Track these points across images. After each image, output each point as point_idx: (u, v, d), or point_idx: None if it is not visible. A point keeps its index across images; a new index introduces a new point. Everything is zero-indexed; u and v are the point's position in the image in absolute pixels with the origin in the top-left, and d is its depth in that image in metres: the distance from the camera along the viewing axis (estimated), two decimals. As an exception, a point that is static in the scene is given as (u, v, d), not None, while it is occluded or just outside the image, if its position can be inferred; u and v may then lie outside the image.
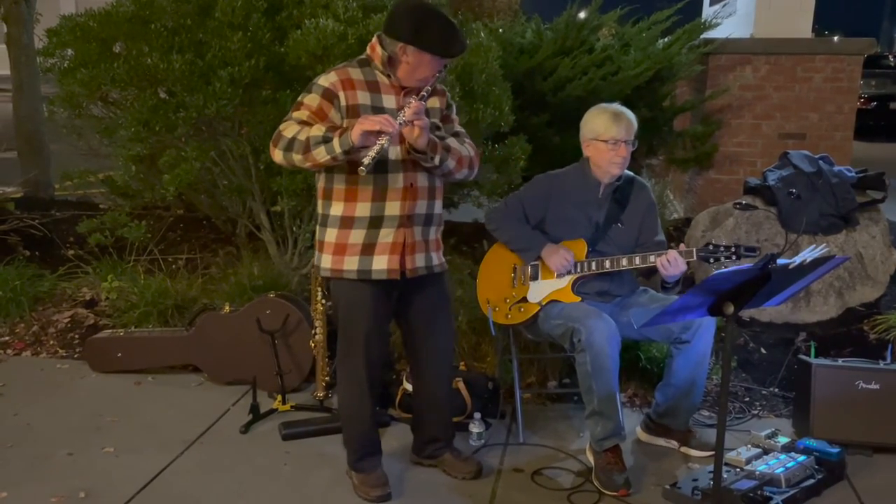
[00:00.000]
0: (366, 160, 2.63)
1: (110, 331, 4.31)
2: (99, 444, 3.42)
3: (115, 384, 4.04)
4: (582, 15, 5.77)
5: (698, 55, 5.96)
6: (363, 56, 2.90)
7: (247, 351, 3.92)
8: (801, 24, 6.54)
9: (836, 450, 3.20)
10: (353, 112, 2.77)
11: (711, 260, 3.20)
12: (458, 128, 3.06)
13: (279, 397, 3.76)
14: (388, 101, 2.84)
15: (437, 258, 3.05)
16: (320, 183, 2.93)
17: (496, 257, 3.62)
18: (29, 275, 4.88)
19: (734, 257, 3.16)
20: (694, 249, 3.22)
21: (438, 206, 3.01)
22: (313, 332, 3.79)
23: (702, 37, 6.10)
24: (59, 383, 4.04)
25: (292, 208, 4.54)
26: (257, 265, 4.64)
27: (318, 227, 2.97)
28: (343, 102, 2.79)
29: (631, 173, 3.51)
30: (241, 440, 3.51)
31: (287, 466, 3.29)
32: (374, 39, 2.86)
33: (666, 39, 5.90)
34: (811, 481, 3.06)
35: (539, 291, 3.44)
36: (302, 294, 4.33)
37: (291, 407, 3.75)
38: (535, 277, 3.46)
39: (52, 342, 4.47)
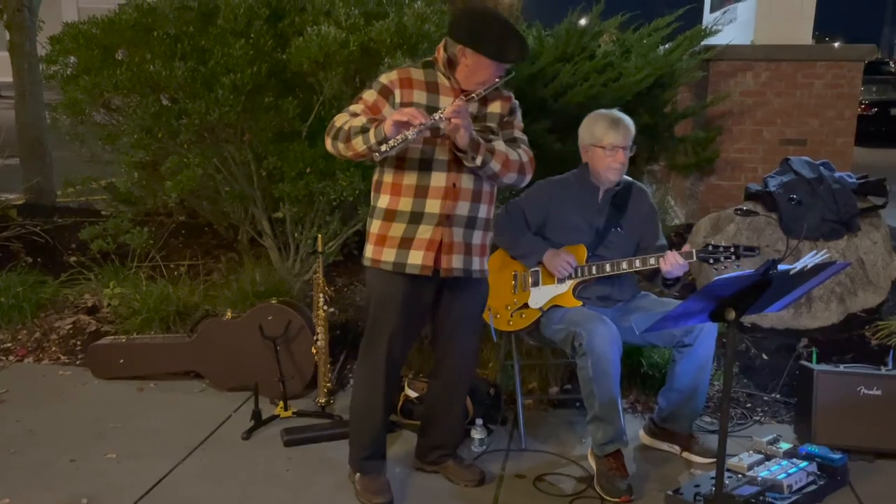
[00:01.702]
0: (383, 147, 2.67)
1: (112, 337, 4.31)
2: (101, 451, 3.42)
3: (117, 390, 4.04)
4: (583, 21, 5.77)
5: (699, 61, 5.96)
6: (430, 58, 2.96)
7: (249, 357, 3.92)
8: (801, 30, 6.54)
9: (838, 456, 3.20)
10: None
11: (711, 260, 3.21)
12: (518, 134, 3.04)
13: (281, 403, 3.76)
14: (446, 102, 2.86)
15: (479, 263, 3.02)
16: (374, 175, 2.99)
17: (497, 264, 3.62)
18: (31, 281, 4.88)
19: (733, 257, 3.18)
20: (693, 250, 3.23)
21: (484, 210, 2.99)
22: (315, 338, 3.79)
23: (703, 43, 6.11)
24: (61, 390, 4.05)
25: (294, 214, 4.55)
26: (259, 271, 4.64)
27: (368, 218, 3.02)
28: (398, 100, 2.84)
29: (630, 178, 3.52)
30: (243, 446, 3.51)
31: (289, 472, 3.29)
32: (442, 42, 2.91)
33: (667, 46, 5.91)
34: (813, 487, 3.06)
35: (540, 297, 3.45)
36: (304, 300, 4.33)
37: (293, 413, 3.75)
38: (535, 283, 3.47)
39: (54, 348, 4.47)
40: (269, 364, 3.84)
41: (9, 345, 4.52)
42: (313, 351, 3.81)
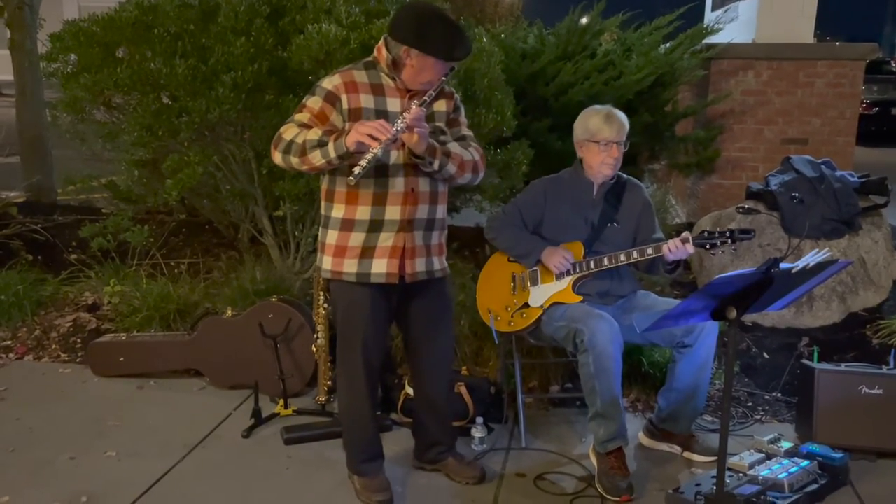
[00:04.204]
0: (356, 169, 2.63)
1: (112, 335, 4.31)
2: (101, 449, 3.42)
3: (117, 388, 4.04)
4: (584, 20, 5.78)
5: (700, 60, 5.96)
6: (370, 58, 2.89)
7: (249, 355, 3.92)
8: (802, 29, 6.54)
9: (839, 455, 3.19)
10: (356, 115, 2.77)
11: (708, 245, 3.19)
12: (466, 131, 3.03)
13: (281, 401, 3.76)
14: (393, 104, 2.83)
15: (439, 263, 3.03)
16: (323, 184, 2.93)
17: (494, 267, 3.63)
18: (31, 279, 4.89)
19: (729, 241, 3.16)
20: (690, 238, 3.21)
21: (441, 211, 3.00)
22: (315, 336, 3.78)
23: (704, 42, 6.11)
24: (61, 388, 4.04)
25: (295, 213, 4.55)
26: (260, 269, 4.64)
27: (320, 229, 2.97)
28: (345, 105, 2.78)
29: (624, 174, 3.52)
30: (243, 444, 3.51)
31: (289, 471, 3.29)
32: (381, 42, 2.85)
33: (668, 44, 5.91)
34: (814, 486, 3.06)
35: (540, 295, 3.44)
36: (304, 298, 4.33)
37: (293, 411, 3.75)
38: (534, 282, 3.47)
39: (54, 346, 4.47)
40: (270, 362, 3.84)
41: (9, 343, 4.52)
42: (313, 349, 3.80)
